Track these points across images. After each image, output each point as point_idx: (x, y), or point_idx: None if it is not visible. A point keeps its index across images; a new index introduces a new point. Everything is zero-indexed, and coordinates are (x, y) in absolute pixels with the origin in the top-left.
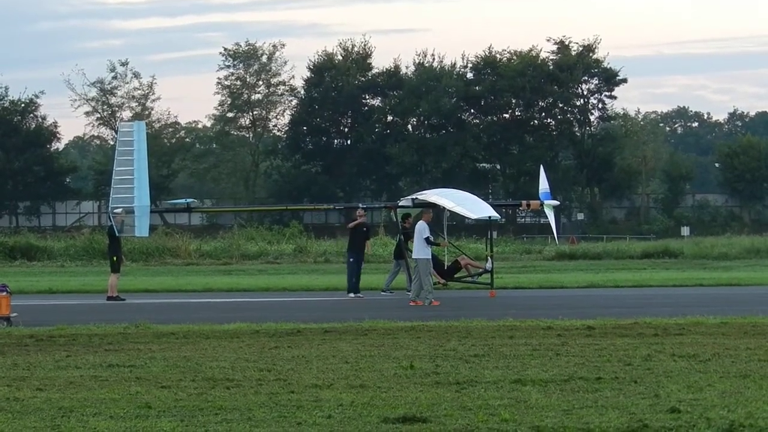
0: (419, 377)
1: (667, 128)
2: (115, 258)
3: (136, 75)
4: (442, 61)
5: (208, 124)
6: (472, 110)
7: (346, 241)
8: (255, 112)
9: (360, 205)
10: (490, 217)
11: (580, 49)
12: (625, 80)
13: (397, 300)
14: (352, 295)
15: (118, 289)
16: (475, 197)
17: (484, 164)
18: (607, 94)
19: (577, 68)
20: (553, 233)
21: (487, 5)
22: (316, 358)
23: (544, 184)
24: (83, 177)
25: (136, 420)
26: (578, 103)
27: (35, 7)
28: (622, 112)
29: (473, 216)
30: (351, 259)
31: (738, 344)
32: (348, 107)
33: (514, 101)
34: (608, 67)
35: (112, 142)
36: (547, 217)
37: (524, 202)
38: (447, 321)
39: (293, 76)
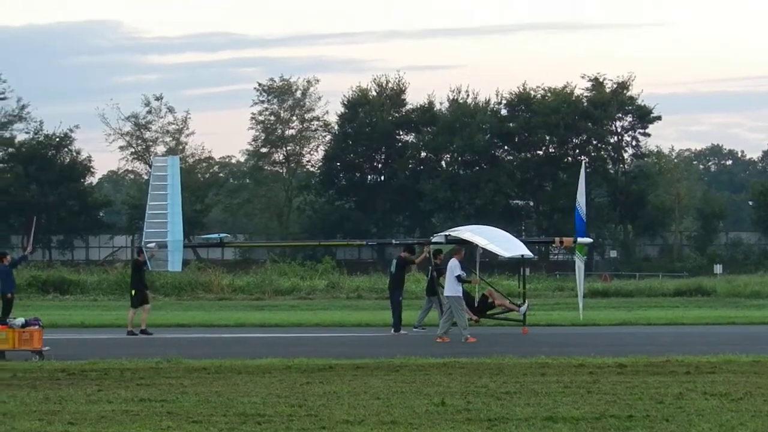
0: (450, 414)
1: (701, 166)
2: (133, 292)
3: (171, 110)
4: (476, 98)
5: (242, 159)
6: (505, 147)
7: (380, 277)
8: (288, 148)
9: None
10: (522, 255)
11: (614, 86)
12: (659, 117)
13: (429, 336)
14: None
15: (148, 324)
16: (508, 234)
17: (517, 201)
18: (641, 131)
19: (612, 105)
20: (578, 286)
21: (522, 42)
22: (348, 394)
23: (581, 217)
24: (117, 211)
25: None
26: (612, 141)
27: (72, 42)
28: (655, 150)
29: (506, 254)
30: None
31: None
32: (382, 143)
33: (547, 138)
34: (642, 104)
35: (145, 177)
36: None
37: (557, 239)
38: (479, 358)
39: (327, 112)
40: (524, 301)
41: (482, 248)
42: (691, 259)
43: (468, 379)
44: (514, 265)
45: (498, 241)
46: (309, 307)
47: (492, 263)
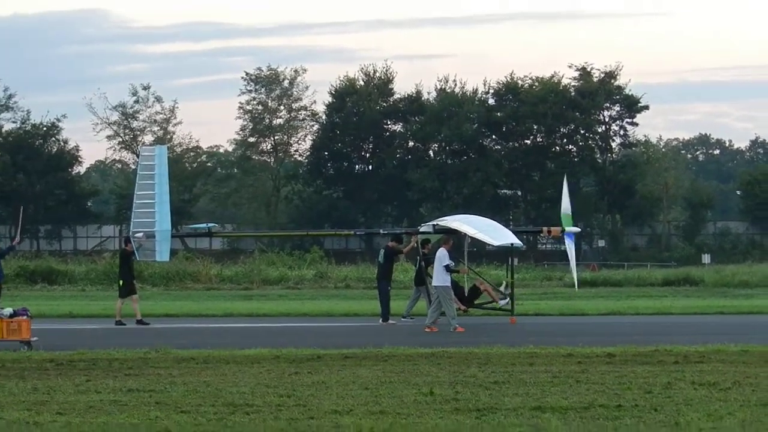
0: (439, 404)
1: (689, 155)
2: (121, 282)
3: (158, 99)
4: (463, 87)
5: (230, 149)
6: (493, 136)
7: (368, 267)
8: (276, 137)
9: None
10: (512, 244)
11: (602, 75)
12: (646, 107)
13: (417, 326)
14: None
15: (142, 314)
16: (497, 224)
17: (505, 191)
18: (628, 120)
19: (599, 95)
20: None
21: (510, 31)
22: (336, 384)
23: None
24: (104, 201)
25: None
26: (600, 130)
27: (59, 31)
28: (643, 139)
29: (495, 243)
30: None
31: (759, 372)
32: (369, 132)
33: (535, 127)
34: (630, 93)
35: (133, 166)
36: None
37: (545, 229)
38: (467, 347)
39: (315, 101)
40: (506, 293)
41: (471, 238)
42: (679, 248)
43: (456, 368)
44: (502, 254)
45: (487, 230)
46: (297, 297)
47: (480, 253)
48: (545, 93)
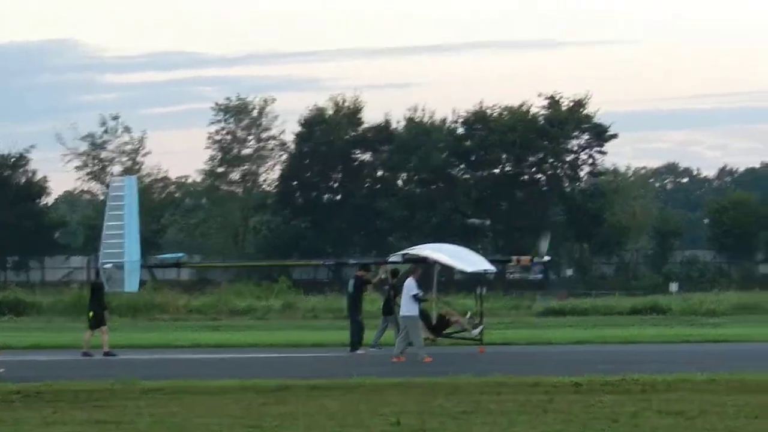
0: None
1: (657, 184)
2: (91, 314)
3: (127, 129)
4: (432, 116)
5: (198, 179)
6: (462, 165)
7: (336, 297)
8: (245, 167)
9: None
10: (486, 270)
11: (571, 104)
12: (615, 135)
13: (385, 356)
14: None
15: (110, 345)
16: (468, 250)
17: (473, 219)
18: (597, 149)
19: (568, 123)
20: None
21: (479, 60)
22: (303, 415)
23: (543, 249)
24: (72, 232)
25: None
26: (568, 159)
27: (28, 61)
28: (612, 168)
29: (468, 269)
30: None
31: (725, 401)
32: (338, 162)
33: (504, 156)
34: (599, 122)
35: (102, 197)
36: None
37: (515, 258)
38: (435, 377)
39: (284, 131)
40: (479, 323)
41: (441, 266)
42: (646, 277)
43: (424, 398)
44: (470, 283)
45: (460, 258)
46: (265, 328)
47: (449, 282)
48: (514, 122)
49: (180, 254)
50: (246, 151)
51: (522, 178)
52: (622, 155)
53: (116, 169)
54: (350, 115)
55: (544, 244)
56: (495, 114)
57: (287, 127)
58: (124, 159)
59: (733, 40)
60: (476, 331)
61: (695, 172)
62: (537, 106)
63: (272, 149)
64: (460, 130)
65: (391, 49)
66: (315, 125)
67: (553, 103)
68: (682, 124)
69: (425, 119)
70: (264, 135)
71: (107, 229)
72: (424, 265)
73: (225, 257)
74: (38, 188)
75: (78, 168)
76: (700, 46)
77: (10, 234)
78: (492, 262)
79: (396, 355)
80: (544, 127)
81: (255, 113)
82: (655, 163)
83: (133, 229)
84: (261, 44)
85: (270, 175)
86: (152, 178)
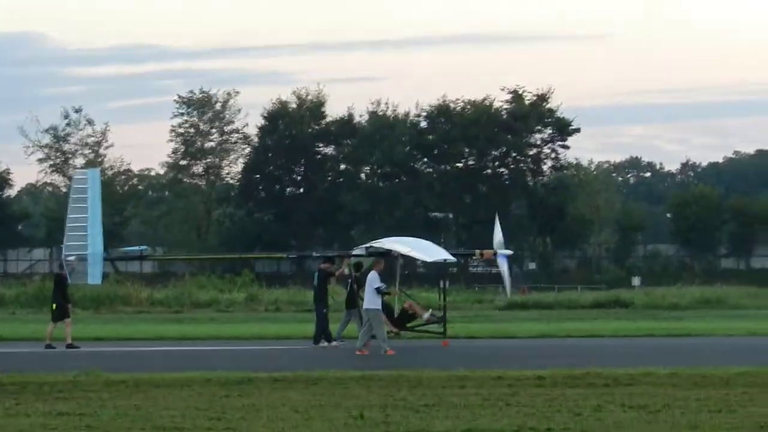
0: (369, 427)
1: (620, 178)
2: (54, 306)
3: (90, 122)
4: (395, 110)
5: (161, 172)
6: (425, 159)
7: (299, 290)
8: (208, 160)
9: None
10: (445, 260)
11: (534, 98)
12: (578, 130)
13: (348, 349)
14: (334, 343)
15: (73, 337)
16: (430, 243)
17: (436, 213)
18: (560, 143)
19: (531, 117)
20: (504, 284)
21: (442, 54)
22: (267, 408)
23: (498, 236)
24: (35, 224)
25: None
26: (531, 153)
27: None
28: (574, 162)
29: (428, 259)
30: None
31: (688, 395)
32: (301, 155)
33: (467, 150)
34: (561, 116)
35: (64, 189)
36: (499, 268)
37: (478, 252)
38: (398, 370)
39: (247, 124)
40: (437, 317)
41: (403, 258)
42: (609, 271)
43: (387, 392)
44: (433, 277)
45: (419, 248)
46: (228, 320)
47: (412, 275)
48: (477, 116)
49: (143, 247)
50: (209, 144)
51: (485, 171)
52: (584, 149)
53: (79, 161)
54: (313, 108)
55: (498, 233)
56: (458, 108)
57: (250, 121)
58: (87, 152)
59: (695, 36)
60: (426, 315)
61: (658, 167)
62: (500, 100)
63: (235, 142)
64: (423, 124)
65: (354, 43)
66: (278, 119)
67: (516, 97)
68: (644, 118)
69: (388, 113)
70: (227, 128)
71: (70, 222)
72: (387, 258)
73: (188, 250)
74: (1, 181)
75: (41, 160)
76: (663, 42)
77: None
78: (455, 255)
79: (359, 348)
80: (507, 121)
81: (218, 106)
82: (617, 157)
83: (96, 222)
84: (225, 38)
85: (233, 168)
86: (115, 170)
